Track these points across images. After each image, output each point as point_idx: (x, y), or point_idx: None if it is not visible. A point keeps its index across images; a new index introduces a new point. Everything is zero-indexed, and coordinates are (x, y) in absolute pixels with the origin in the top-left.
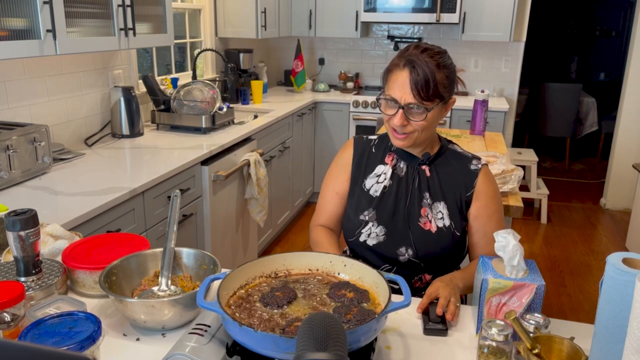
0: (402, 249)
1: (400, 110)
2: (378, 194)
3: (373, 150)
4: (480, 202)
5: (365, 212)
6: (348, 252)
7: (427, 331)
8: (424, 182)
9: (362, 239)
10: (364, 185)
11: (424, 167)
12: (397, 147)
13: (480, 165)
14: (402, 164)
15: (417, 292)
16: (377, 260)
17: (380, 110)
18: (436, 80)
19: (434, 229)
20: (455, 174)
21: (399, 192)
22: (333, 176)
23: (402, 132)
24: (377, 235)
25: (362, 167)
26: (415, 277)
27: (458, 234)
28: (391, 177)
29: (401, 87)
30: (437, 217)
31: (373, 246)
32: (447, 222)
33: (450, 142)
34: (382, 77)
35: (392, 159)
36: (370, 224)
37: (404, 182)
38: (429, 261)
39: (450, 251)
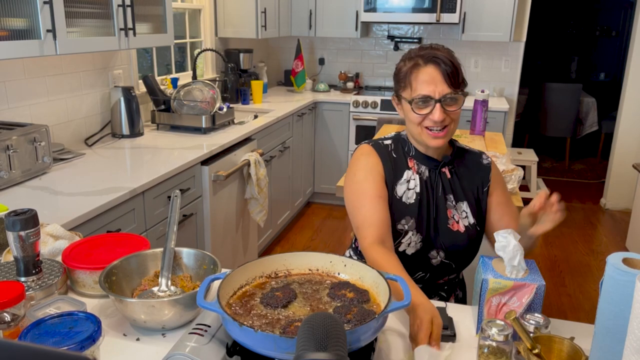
0: (434, 252)
1: (438, 104)
2: (413, 201)
3: (394, 155)
4: (498, 190)
5: (403, 221)
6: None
7: None
8: (447, 184)
9: (401, 248)
10: (396, 192)
11: (443, 169)
12: (435, 147)
13: (489, 159)
14: (423, 169)
15: (439, 288)
16: (411, 269)
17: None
18: (459, 68)
19: (462, 229)
20: (472, 171)
21: (427, 196)
22: (368, 182)
23: (441, 127)
24: (415, 243)
25: (392, 174)
26: (445, 276)
27: (479, 229)
28: (419, 183)
29: (432, 82)
30: (462, 216)
31: (411, 254)
32: (471, 220)
33: (454, 140)
34: (402, 81)
35: (414, 164)
36: (410, 233)
37: (429, 186)
38: (459, 261)
39: (475, 248)
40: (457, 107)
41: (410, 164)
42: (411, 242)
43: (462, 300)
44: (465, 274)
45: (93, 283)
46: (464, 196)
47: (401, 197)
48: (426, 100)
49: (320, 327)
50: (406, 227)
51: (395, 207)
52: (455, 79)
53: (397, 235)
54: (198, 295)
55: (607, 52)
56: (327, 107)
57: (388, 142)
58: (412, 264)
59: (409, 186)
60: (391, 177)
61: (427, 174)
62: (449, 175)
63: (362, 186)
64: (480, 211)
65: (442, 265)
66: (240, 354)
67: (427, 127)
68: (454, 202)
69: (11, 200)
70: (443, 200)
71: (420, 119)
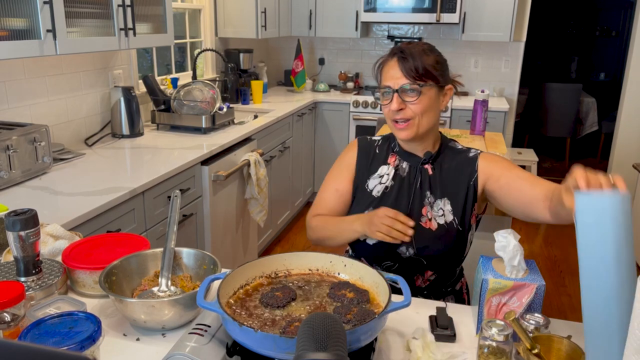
0: (403, 248)
1: (395, 94)
2: (379, 194)
3: (377, 150)
4: (494, 173)
5: (365, 212)
6: (350, 252)
7: (435, 337)
8: (426, 181)
9: (362, 237)
10: (367, 185)
11: (426, 166)
12: (402, 139)
13: (478, 151)
14: (404, 164)
15: (418, 291)
16: (379, 258)
17: (380, 106)
18: (425, 62)
19: (434, 227)
20: (458, 166)
21: (401, 192)
22: (335, 174)
23: (401, 118)
24: None
25: (365, 168)
26: (417, 273)
27: (461, 228)
28: (393, 178)
29: (392, 73)
30: (437, 214)
31: (373, 245)
32: (449, 218)
33: (451, 140)
34: (376, 76)
35: (395, 160)
36: None
37: (406, 182)
38: (431, 259)
39: (452, 248)
40: (416, 99)
41: (390, 160)
42: None
43: (462, 301)
44: (465, 274)
45: (93, 283)
46: (445, 193)
47: (371, 191)
48: (387, 90)
49: (320, 327)
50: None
51: (361, 198)
52: (413, 70)
53: None
54: (198, 295)
55: (607, 52)
56: (327, 107)
57: (378, 138)
58: (377, 253)
59: (381, 180)
60: (364, 171)
61: (407, 170)
62: (430, 172)
63: (331, 176)
64: (465, 207)
65: (411, 259)
66: (240, 354)
67: (394, 120)
68: (431, 200)
69: (11, 200)
70: (420, 196)
71: (387, 110)
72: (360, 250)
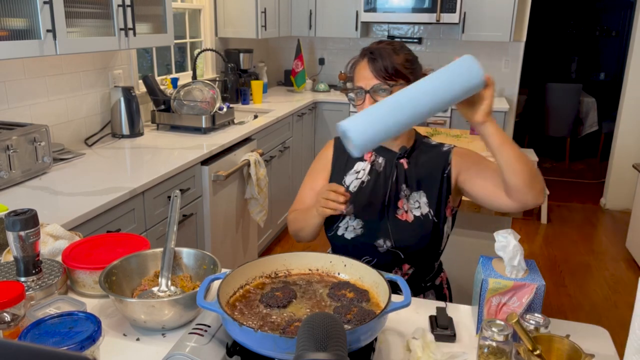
0: (380, 241)
1: (367, 95)
2: (356, 188)
3: None
4: (465, 166)
5: (343, 208)
6: (330, 250)
7: (435, 337)
8: (402, 175)
9: (340, 232)
10: (344, 182)
11: (401, 160)
12: None
13: (452, 146)
14: (380, 159)
15: (419, 280)
16: (357, 252)
17: (352, 104)
18: (394, 61)
19: (410, 219)
20: (432, 159)
21: (377, 186)
22: (313, 174)
23: None
24: (354, 228)
25: (342, 166)
26: (395, 267)
27: (436, 220)
28: (369, 173)
29: (364, 74)
30: (413, 207)
31: (351, 239)
32: (424, 210)
33: (424, 136)
34: (349, 78)
35: (371, 155)
36: (347, 218)
37: (382, 176)
38: (408, 251)
39: (429, 241)
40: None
41: (366, 156)
42: (349, 226)
43: (442, 296)
44: (465, 274)
45: (93, 283)
46: (421, 186)
47: (348, 186)
48: (359, 91)
49: (320, 327)
50: (344, 211)
51: None
52: (383, 70)
53: (336, 219)
54: (198, 295)
55: (607, 52)
56: (327, 107)
57: None
58: (355, 247)
59: (358, 176)
60: (341, 168)
61: (383, 164)
62: (406, 166)
63: (309, 176)
64: (440, 199)
65: (388, 252)
66: (240, 354)
67: None
68: (407, 193)
69: (11, 200)
70: (395, 190)
71: (359, 110)
72: (339, 246)
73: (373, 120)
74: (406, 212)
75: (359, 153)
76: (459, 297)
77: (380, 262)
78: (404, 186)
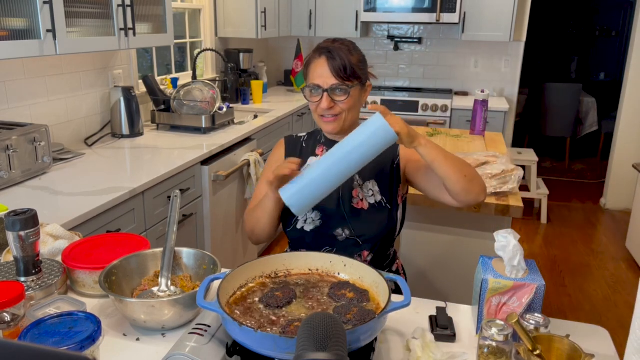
0: (339, 230)
1: (325, 94)
2: None
3: (304, 145)
4: (413, 159)
5: None
6: (288, 249)
7: (435, 337)
8: None
9: (299, 225)
10: None
11: None
12: (328, 132)
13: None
14: None
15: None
16: (317, 243)
17: (307, 100)
18: (352, 62)
19: (366, 207)
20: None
21: None
22: (266, 174)
23: (330, 114)
24: (313, 220)
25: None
26: (354, 255)
27: (390, 207)
28: None
29: (322, 73)
30: (367, 195)
31: (311, 231)
32: (377, 198)
33: None
34: (303, 72)
35: (323, 150)
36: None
37: None
38: (366, 237)
39: (385, 226)
40: (344, 98)
41: (318, 151)
42: (307, 218)
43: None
44: (465, 274)
45: (93, 283)
46: (373, 175)
47: None
48: (316, 89)
49: (320, 327)
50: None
51: None
52: (342, 71)
53: (294, 214)
54: (198, 295)
55: (607, 52)
56: None
57: (303, 134)
58: (315, 239)
59: None
60: None
61: None
62: None
63: (263, 174)
64: (391, 187)
65: (347, 240)
66: (240, 354)
67: (321, 115)
68: (360, 182)
69: (11, 200)
70: (349, 180)
71: (314, 106)
72: (298, 241)
73: (309, 194)
74: (361, 200)
75: (301, 215)
76: (456, 296)
77: (340, 251)
78: (356, 176)
